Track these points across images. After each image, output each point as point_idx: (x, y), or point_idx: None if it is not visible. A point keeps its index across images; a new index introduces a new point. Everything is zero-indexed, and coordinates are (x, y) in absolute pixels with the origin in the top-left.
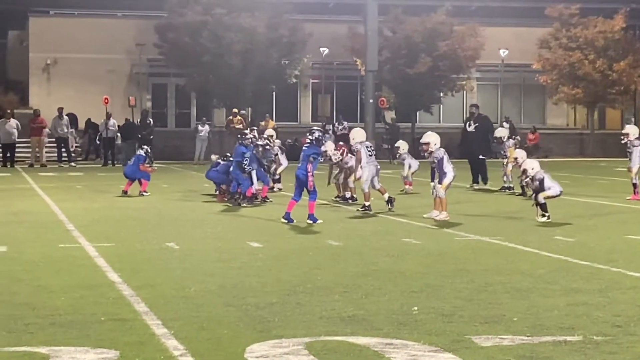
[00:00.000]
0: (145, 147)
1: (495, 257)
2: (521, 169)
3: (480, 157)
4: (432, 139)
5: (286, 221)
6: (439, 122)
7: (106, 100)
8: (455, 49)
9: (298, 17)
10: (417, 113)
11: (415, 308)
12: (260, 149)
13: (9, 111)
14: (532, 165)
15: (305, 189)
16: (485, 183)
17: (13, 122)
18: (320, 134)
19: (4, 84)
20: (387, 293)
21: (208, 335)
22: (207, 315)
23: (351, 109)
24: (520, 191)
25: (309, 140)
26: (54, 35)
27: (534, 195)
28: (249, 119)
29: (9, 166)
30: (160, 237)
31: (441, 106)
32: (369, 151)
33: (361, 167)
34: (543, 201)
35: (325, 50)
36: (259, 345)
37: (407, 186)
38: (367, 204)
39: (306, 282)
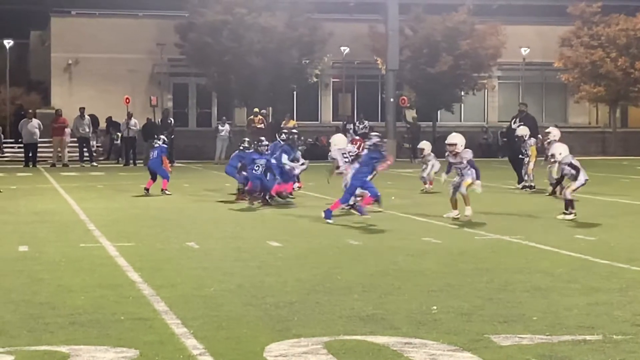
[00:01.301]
0: (162, 136)
1: (515, 256)
2: (549, 152)
3: (521, 156)
4: (458, 140)
5: (327, 219)
6: (460, 120)
7: (127, 100)
8: (476, 48)
9: (319, 16)
10: (438, 112)
11: (435, 307)
12: (296, 137)
13: (30, 111)
14: (560, 150)
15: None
16: (519, 183)
17: (35, 122)
18: (378, 139)
19: (26, 84)
20: (406, 292)
21: (227, 335)
22: (227, 315)
23: (372, 108)
24: (550, 191)
25: (368, 146)
26: (75, 35)
27: (554, 185)
28: (270, 119)
29: (31, 166)
30: (180, 236)
31: (462, 105)
32: (346, 157)
33: (338, 173)
34: (570, 197)
35: (346, 50)
36: (278, 345)
37: (428, 185)
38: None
39: (325, 281)
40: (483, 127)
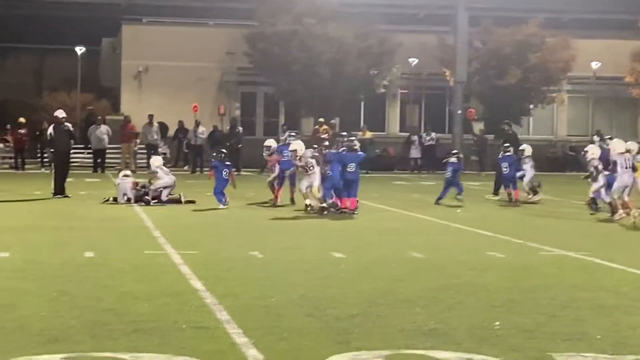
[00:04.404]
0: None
1: (580, 272)
2: None
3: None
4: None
5: None
6: (529, 134)
7: (195, 108)
8: (546, 61)
9: (387, 27)
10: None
11: (497, 323)
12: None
13: (99, 117)
14: None
15: None
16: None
17: (104, 128)
18: None
19: (97, 90)
20: (468, 307)
21: (288, 346)
22: (288, 326)
23: (439, 119)
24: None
25: None
26: (146, 43)
27: None
28: (337, 129)
29: (99, 172)
30: (244, 245)
31: (531, 118)
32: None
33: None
34: None
35: (414, 61)
36: (338, 357)
37: (531, 195)
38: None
39: (387, 294)
40: (551, 140)
